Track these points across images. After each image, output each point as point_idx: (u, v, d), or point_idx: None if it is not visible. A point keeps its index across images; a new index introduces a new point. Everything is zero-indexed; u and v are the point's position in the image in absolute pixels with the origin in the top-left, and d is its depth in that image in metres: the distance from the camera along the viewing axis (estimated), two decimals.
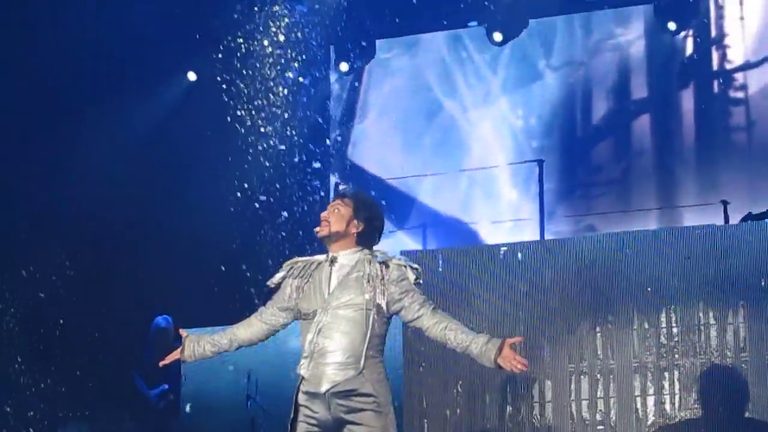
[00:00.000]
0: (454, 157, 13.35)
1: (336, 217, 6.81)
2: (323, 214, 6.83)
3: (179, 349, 7.03)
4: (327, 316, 6.74)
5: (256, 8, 12.64)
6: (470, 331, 6.64)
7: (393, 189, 13.49)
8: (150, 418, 11.56)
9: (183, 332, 7.15)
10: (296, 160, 13.06)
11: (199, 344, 7.03)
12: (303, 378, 6.81)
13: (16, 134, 11.65)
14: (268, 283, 7.06)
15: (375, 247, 6.92)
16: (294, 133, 13.00)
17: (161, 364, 7.16)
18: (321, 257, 6.88)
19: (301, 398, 6.82)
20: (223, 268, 12.22)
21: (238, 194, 12.70)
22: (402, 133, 13.71)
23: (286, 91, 12.95)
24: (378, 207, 7.01)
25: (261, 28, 12.75)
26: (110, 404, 11.61)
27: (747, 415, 8.60)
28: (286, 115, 12.93)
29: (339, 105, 13.85)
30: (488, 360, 6.54)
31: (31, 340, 11.55)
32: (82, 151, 11.82)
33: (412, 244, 12.78)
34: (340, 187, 7.04)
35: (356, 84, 13.83)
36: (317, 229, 6.83)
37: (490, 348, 6.54)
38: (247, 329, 7.04)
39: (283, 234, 12.54)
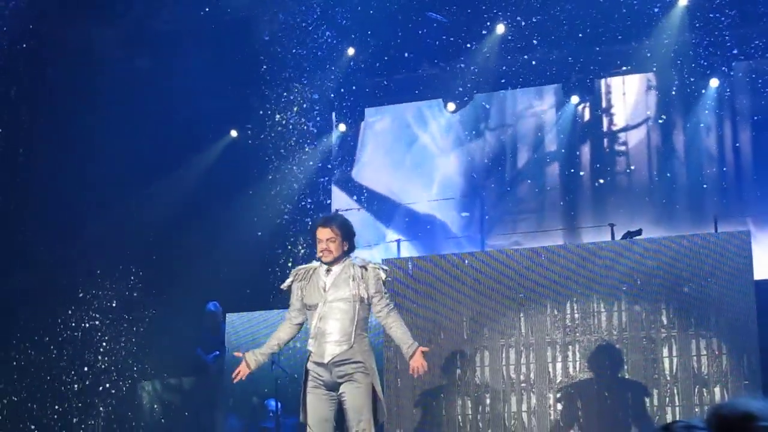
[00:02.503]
0: (423, 188, 13.33)
1: (334, 245, 6.93)
2: (322, 246, 6.88)
3: (245, 365, 7.02)
4: (325, 307, 6.86)
5: (284, 93, 12.64)
6: (405, 332, 6.96)
7: (383, 198, 13.51)
8: (205, 376, 11.52)
9: (238, 353, 7.17)
10: (307, 190, 13.03)
11: (257, 356, 7.07)
12: (311, 352, 6.89)
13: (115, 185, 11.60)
14: (281, 287, 7.15)
15: (355, 254, 7.10)
16: (304, 169, 12.99)
17: (234, 381, 7.12)
18: (317, 264, 6.99)
19: (310, 366, 6.87)
20: (255, 268, 12.14)
21: (269, 214, 12.66)
22: (389, 159, 13.67)
23: (302, 143, 12.93)
24: (351, 225, 7.14)
25: (283, 102, 12.74)
26: (177, 366, 11.55)
27: (627, 376, 8.61)
28: (303, 157, 12.92)
29: (341, 151, 13.77)
30: (407, 358, 6.94)
31: (128, 323, 11.50)
32: (156, 189, 11.79)
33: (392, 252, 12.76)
34: (329, 215, 7.08)
35: (349, 138, 13.75)
36: (321, 255, 6.91)
37: (409, 352, 6.90)
38: (286, 332, 7.15)
39: (300, 245, 12.48)
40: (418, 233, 13.09)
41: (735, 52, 11.73)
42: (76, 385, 10.88)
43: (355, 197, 13.56)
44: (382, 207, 13.44)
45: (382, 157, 13.65)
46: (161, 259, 11.69)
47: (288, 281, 7.08)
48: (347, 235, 6.94)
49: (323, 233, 6.87)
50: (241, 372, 7.04)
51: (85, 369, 10.95)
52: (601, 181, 12.59)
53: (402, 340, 6.91)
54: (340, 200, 13.40)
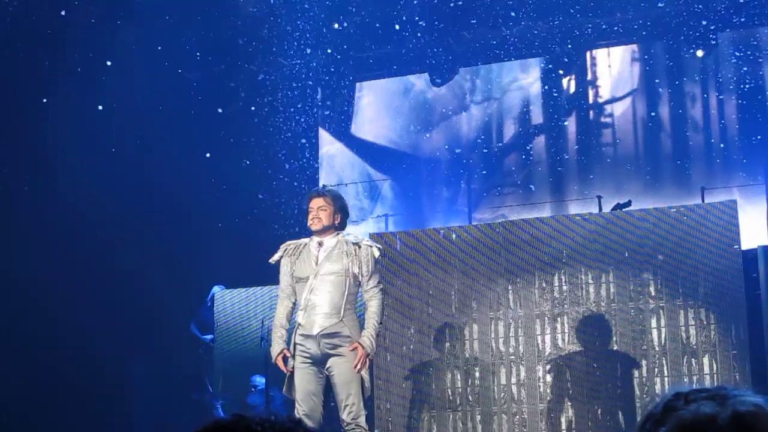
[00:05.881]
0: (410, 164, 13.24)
1: (324, 214, 6.87)
2: (313, 214, 6.84)
3: (287, 358, 6.89)
4: (316, 280, 6.80)
5: (271, 68, 12.54)
6: (372, 318, 6.86)
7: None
8: (199, 355, 11.50)
9: (287, 352, 6.93)
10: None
11: (281, 345, 6.91)
12: (299, 324, 6.83)
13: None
14: (270, 260, 7.10)
15: (348, 230, 7.05)
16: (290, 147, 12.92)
17: (287, 373, 6.92)
18: (307, 240, 6.94)
19: (298, 339, 6.83)
20: (245, 244, 12.03)
21: (263, 194, 12.57)
22: (374, 132, 13.58)
23: (289, 120, 12.86)
24: (345, 200, 7.11)
25: (270, 78, 12.66)
26: (171, 344, 11.48)
27: (615, 347, 8.58)
28: (289, 134, 12.85)
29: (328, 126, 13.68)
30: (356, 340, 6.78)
31: (122, 299, 11.40)
32: (144, 164, 11.67)
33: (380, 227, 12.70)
34: (320, 186, 7.02)
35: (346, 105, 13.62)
36: (311, 224, 6.86)
37: (361, 341, 6.74)
38: (287, 309, 7.02)
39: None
40: (404, 208, 13.02)
41: (720, 22, 11.66)
42: (65, 363, 10.79)
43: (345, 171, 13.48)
44: (373, 179, 13.37)
45: (367, 132, 13.57)
46: (150, 234, 11.57)
47: (277, 255, 7.03)
48: (340, 207, 6.90)
49: (316, 202, 6.86)
50: (288, 367, 6.90)
51: (77, 343, 10.86)
52: (588, 153, 12.52)
53: (365, 325, 6.83)
54: (330, 176, 13.32)
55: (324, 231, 6.85)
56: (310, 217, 6.85)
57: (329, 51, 12.71)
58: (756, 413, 1.85)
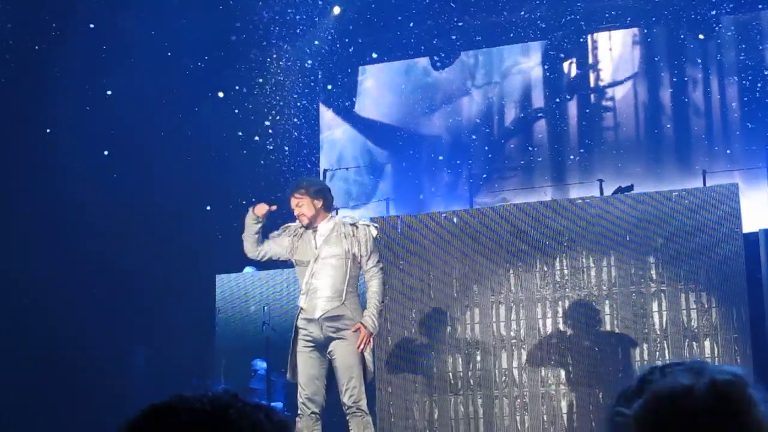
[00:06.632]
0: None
1: (304, 208, 6.90)
2: (295, 212, 6.89)
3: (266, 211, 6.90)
4: (317, 264, 6.81)
5: (272, 54, 12.50)
6: (373, 297, 6.87)
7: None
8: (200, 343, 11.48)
9: (273, 207, 6.98)
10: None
11: (261, 229, 6.96)
12: (301, 308, 6.84)
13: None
14: (271, 234, 7.08)
15: (345, 213, 7.07)
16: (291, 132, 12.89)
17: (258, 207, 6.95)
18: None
19: (300, 323, 6.83)
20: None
21: (259, 175, 12.54)
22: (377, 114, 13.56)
23: (290, 103, 12.84)
24: (320, 180, 7.14)
25: (270, 63, 12.62)
26: (171, 334, 11.46)
27: (617, 331, 8.58)
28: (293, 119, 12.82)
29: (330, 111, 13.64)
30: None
31: (122, 289, 11.39)
32: (142, 151, 11.64)
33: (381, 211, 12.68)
34: (292, 184, 7.07)
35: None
36: (300, 222, 6.91)
37: (363, 321, 6.75)
38: (260, 242, 6.93)
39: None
40: (405, 192, 13.01)
41: (723, 6, 11.63)
42: (64, 351, 10.79)
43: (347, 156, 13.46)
44: (375, 162, 13.36)
45: (368, 115, 13.54)
46: (146, 220, 11.55)
47: (276, 233, 7.04)
48: (316, 192, 6.89)
49: (292, 202, 6.92)
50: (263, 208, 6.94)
51: (76, 333, 10.86)
52: (589, 137, 12.50)
53: (367, 305, 6.83)
54: (331, 160, 13.30)
55: (314, 221, 6.87)
56: (296, 217, 6.92)
57: (330, 35, 12.68)
58: (734, 382, 1.82)
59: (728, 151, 11.76)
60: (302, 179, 7.28)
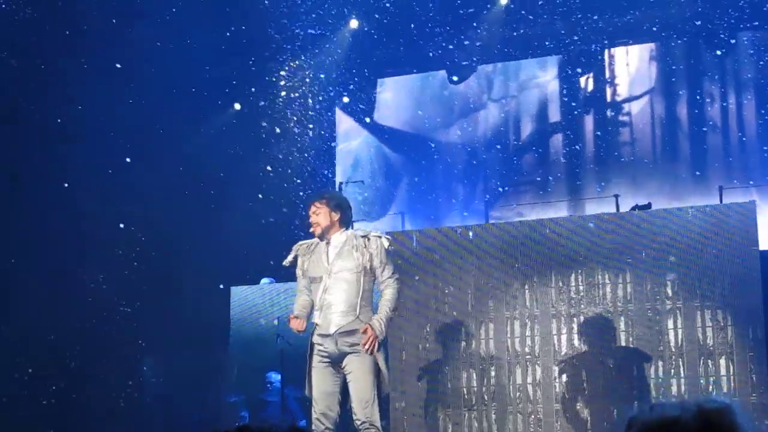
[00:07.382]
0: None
1: (320, 218, 6.88)
2: (311, 220, 6.90)
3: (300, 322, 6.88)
4: (330, 279, 6.79)
5: (287, 66, 12.52)
6: (385, 305, 6.82)
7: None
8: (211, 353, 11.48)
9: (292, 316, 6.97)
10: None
11: (305, 316, 6.90)
12: (317, 324, 6.83)
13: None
14: (284, 263, 7.11)
15: (357, 225, 7.07)
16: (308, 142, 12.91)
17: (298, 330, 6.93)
18: (317, 240, 6.96)
19: (316, 339, 6.82)
20: (258, 240, 12.01)
21: (274, 188, 12.54)
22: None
23: (307, 114, 12.86)
24: (342, 195, 7.13)
25: (286, 75, 12.65)
26: (181, 343, 11.46)
27: (632, 347, 8.53)
28: (308, 131, 12.83)
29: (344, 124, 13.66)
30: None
31: (131, 297, 11.39)
32: (157, 161, 11.65)
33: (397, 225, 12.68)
34: (315, 192, 7.10)
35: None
36: (312, 231, 6.90)
37: (371, 323, 6.70)
38: (306, 300, 6.99)
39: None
40: (421, 205, 13.00)
41: (739, 21, 11.60)
42: (77, 360, 10.80)
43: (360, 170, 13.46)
44: (390, 175, 13.35)
45: (385, 128, 13.55)
46: (163, 231, 11.57)
47: (290, 257, 7.04)
48: (336, 205, 6.89)
49: (310, 210, 6.91)
50: (298, 325, 6.91)
51: (89, 342, 10.87)
52: (605, 151, 12.47)
53: (378, 311, 6.83)
54: (346, 173, 13.30)
55: (326, 232, 6.86)
56: (311, 224, 6.91)
57: (348, 48, 12.69)
58: (722, 410, 1.82)
59: (745, 167, 11.71)
60: (326, 190, 7.35)
